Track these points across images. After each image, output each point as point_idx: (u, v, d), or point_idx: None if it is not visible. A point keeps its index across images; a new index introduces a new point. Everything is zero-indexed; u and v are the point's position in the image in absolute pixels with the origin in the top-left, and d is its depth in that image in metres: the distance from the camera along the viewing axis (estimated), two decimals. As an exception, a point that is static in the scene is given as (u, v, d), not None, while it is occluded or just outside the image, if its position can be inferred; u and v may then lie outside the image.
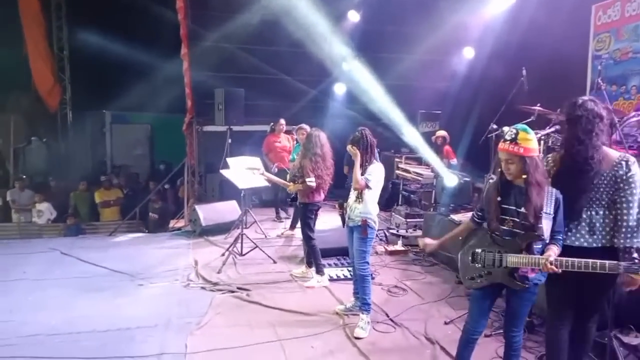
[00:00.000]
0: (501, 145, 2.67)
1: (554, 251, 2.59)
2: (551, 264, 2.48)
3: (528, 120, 4.74)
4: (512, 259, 2.64)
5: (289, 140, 7.93)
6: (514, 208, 2.68)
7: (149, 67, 9.89)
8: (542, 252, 2.62)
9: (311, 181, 4.89)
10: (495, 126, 5.22)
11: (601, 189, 2.73)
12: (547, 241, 2.65)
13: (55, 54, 11.58)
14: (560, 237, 2.69)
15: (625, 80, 6.53)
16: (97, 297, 4.78)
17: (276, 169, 7.30)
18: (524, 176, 2.62)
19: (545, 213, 2.61)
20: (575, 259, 2.49)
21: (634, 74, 6.41)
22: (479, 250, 2.79)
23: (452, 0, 8.45)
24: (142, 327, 4.08)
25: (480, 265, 2.77)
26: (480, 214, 2.94)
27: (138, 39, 9.77)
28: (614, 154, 2.77)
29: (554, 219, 2.65)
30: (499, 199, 2.72)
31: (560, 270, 2.49)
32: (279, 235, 7.13)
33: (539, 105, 4.83)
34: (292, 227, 7.10)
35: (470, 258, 2.83)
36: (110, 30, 10.00)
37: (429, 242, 3.20)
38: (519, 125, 2.71)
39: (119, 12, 10.00)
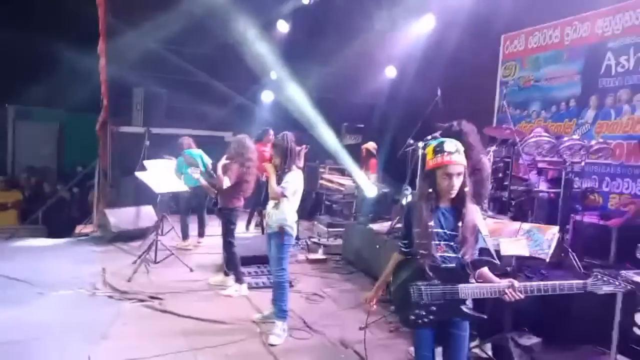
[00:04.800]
0: (446, 158, 2.30)
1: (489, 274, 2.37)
2: (514, 290, 2.24)
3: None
4: (468, 290, 2.32)
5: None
6: (443, 231, 2.37)
7: (61, 60, 9.18)
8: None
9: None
10: (412, 141, 5.48)
11: None
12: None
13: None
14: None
15: (527, 105, 7.21)
16: (-12, 307, 4.31)
17: (265, 179, 7.05)
18: (466, 189, 2.34)
19: (486, 236, 2.42)
20: (541, 283, 2.25)
21: (534, 100, 7.10)
22: (420, 284, 2.38)
23: (380, 22, 8.83)
24: (40, 338, 3.74)
25: (426, 301, 2.38)
26: (406, 242, 2.52)
27: (49, 27, 9.02)
28: None
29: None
30: (431, 223, 2.34)
31: (524, 297, 2.24)
32: (198, 243, 6.91)
33: (451, 123, 5.15)
34: (201, 234, 6.96)
35: (413, 294, 2.40)
36: (17, 15, 9.16)
37: (368, 294, 2.81)
38: (442, 139, 2.45)
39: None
